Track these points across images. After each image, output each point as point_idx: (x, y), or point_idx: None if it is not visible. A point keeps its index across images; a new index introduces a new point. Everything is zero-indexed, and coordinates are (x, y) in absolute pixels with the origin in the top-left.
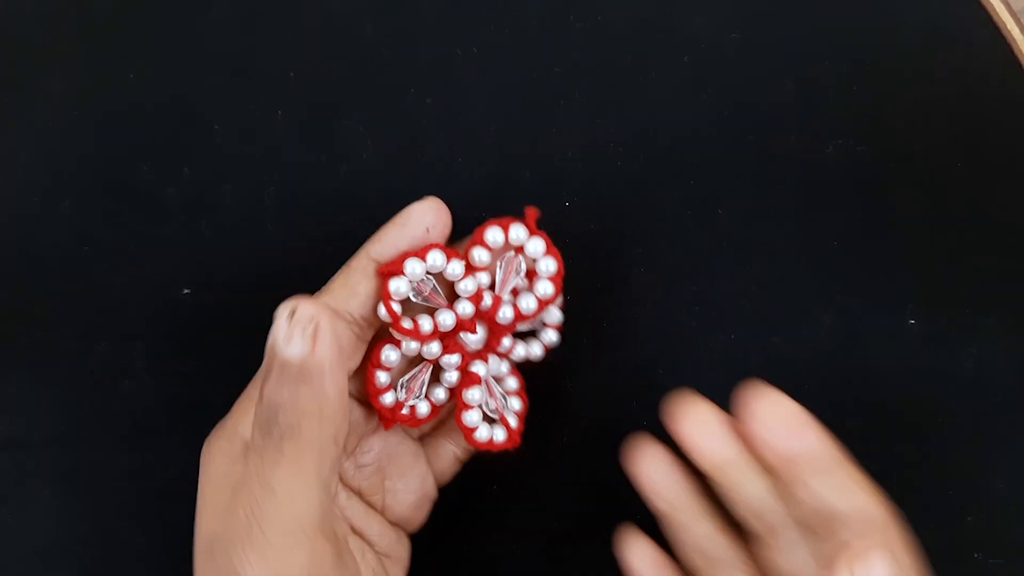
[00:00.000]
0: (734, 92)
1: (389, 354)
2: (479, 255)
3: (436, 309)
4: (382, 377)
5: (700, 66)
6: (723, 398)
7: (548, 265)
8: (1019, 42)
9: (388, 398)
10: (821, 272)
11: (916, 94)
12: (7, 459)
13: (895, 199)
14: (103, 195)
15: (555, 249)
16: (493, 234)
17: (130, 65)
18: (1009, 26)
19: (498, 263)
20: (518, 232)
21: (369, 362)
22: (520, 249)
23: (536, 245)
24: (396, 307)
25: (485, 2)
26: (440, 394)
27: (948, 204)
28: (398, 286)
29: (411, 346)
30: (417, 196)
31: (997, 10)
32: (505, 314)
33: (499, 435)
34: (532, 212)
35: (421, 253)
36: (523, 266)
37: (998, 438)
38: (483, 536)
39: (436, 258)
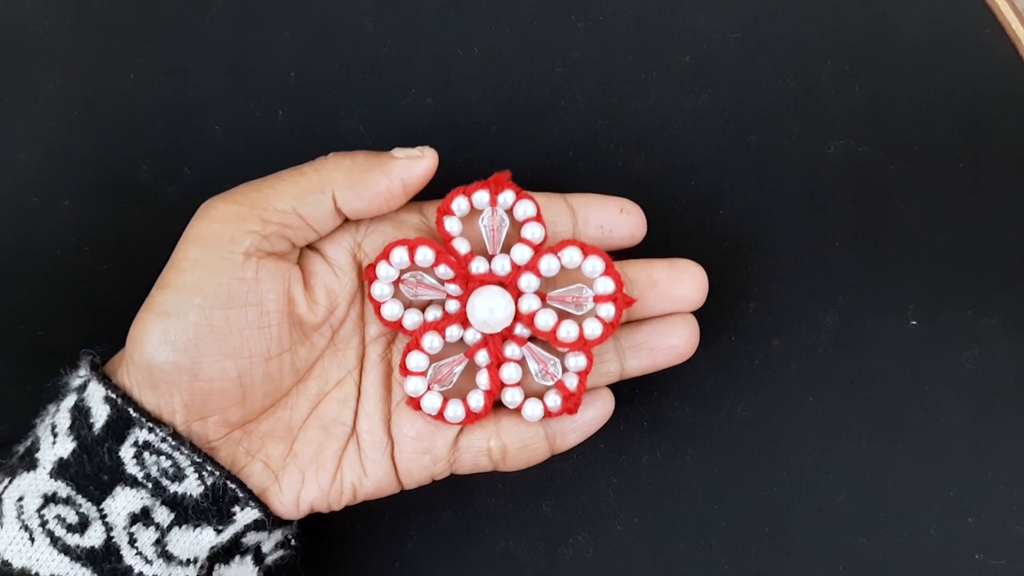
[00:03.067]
0: (734, 92)
1: (433, 341)
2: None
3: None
4: (417, 359)
5: (701, 66)
6: (724, 399)
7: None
8: None
9: (417, 384)
10: (821, 272)
11: (918, 94)
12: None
13: (896, 199)
14: (103, 195)
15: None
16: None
17: (130, 65)
18: (1014, 25)
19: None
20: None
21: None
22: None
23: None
24: (385, 290)
25: (485, 2)
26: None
27: (949, 204)
28: (387, 271)
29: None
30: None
31: (1002, 9)
32: (547, 320)
33: (552, 402)
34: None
35: (412, 244)
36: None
37: (998, 438)
38: (484, 533)
39: (426, 255)
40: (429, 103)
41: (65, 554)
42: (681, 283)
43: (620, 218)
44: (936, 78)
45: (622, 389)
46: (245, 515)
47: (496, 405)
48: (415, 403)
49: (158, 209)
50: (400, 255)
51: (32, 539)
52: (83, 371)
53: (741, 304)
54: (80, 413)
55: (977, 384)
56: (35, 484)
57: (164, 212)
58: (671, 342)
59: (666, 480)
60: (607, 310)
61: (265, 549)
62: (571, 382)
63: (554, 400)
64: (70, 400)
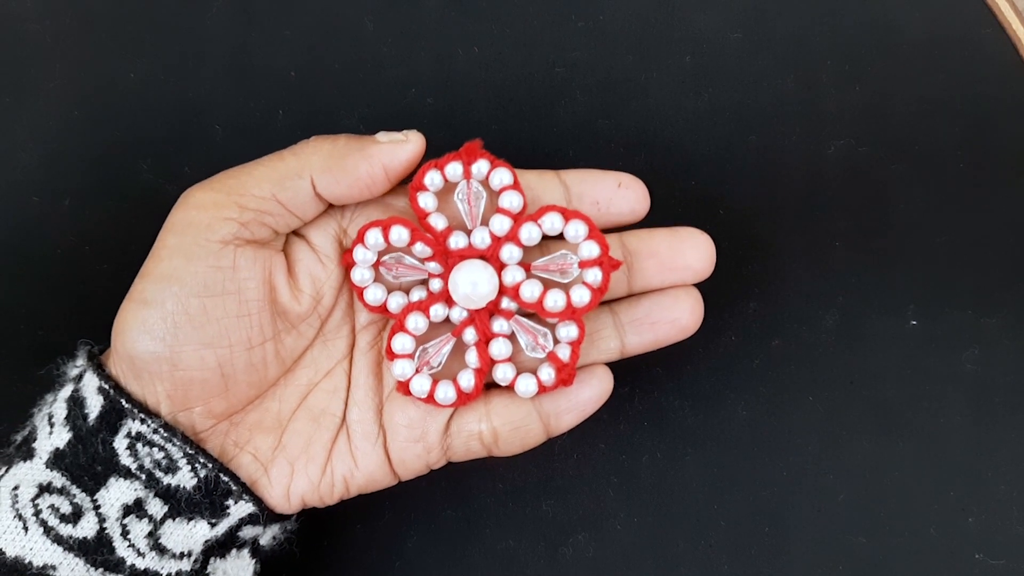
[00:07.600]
0: (734, 92)
1: (417, 320)
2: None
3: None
4: (403, 342)
5: (701, 66)
6: (724, 399)
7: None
8: None
9: (405, 367)
10: (821, 272)
11: (918, 94)
12: None
13: (895, 199)
14: (103, 195)
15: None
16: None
17: (130, 64)
18: (1014, 25)
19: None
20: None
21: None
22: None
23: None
24: (365, 275)
25: (485, 2)
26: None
27: (949, 204)
28: (363, 255)
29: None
30: None
31: (1002, 9)
32: (533, 292)
33: (546, 375)
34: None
35: (386, 224)
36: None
37: (998, 438)
38: (484, 533)
39: (400, 234)
40: (429, 103)
41: (58, 544)
42: (684, 252)
43: (618, 193)
44: (936, 78)
45: (622, 388)
46: (239, 508)
47: (489, 387)
48: (404, 387)
49: (158, 209)
50: (375, 236)
51: (26, 528)
52: (80, 361)
53: (741, 304)
54: (76, 403)
55: (977, 384)
56: (31, 474)
57: (164, 212)
58: (673, 315)
59: (666, 480)
60: (594, 275)
61: (263, 542)
62: (563, 353)
63: (548, 373)
64: (67, 390)
